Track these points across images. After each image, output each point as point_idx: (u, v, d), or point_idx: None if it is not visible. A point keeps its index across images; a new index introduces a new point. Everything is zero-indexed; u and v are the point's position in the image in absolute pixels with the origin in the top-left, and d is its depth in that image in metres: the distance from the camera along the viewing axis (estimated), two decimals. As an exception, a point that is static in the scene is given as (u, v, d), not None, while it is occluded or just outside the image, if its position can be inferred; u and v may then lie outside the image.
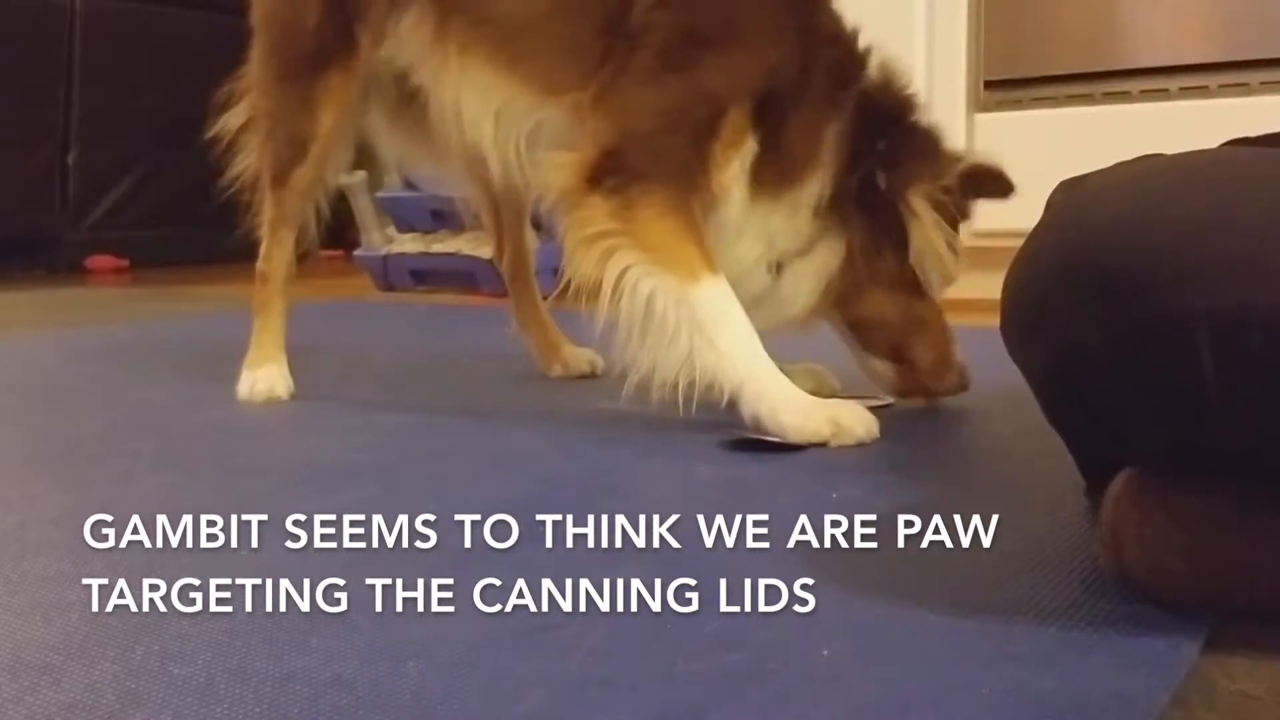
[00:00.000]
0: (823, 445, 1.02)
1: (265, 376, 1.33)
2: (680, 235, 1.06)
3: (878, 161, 1.11)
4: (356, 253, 2.95)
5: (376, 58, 1.26)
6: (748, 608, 0.66)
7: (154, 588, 0.71)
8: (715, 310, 1.06)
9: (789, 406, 1.04)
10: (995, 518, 0.82)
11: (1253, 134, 0.85)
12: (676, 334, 1.05)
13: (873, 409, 1.17)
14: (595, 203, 1.07)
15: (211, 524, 0.85)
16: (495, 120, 1.18)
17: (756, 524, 0.83)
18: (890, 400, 1.24)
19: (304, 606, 0.68)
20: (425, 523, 0.84)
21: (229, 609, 0.67)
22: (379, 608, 0.67)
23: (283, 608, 0.67)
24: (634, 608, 0.66)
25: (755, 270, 1.14)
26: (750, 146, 1.10)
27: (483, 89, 1.18)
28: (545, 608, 0.66)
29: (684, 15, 1.11)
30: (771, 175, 1.11)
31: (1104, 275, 0.63)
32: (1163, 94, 1.97)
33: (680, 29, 1.10)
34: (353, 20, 1.25)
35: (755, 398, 1.04)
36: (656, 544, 0.78)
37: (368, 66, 1.27)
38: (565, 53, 1.15)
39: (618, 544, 0.78)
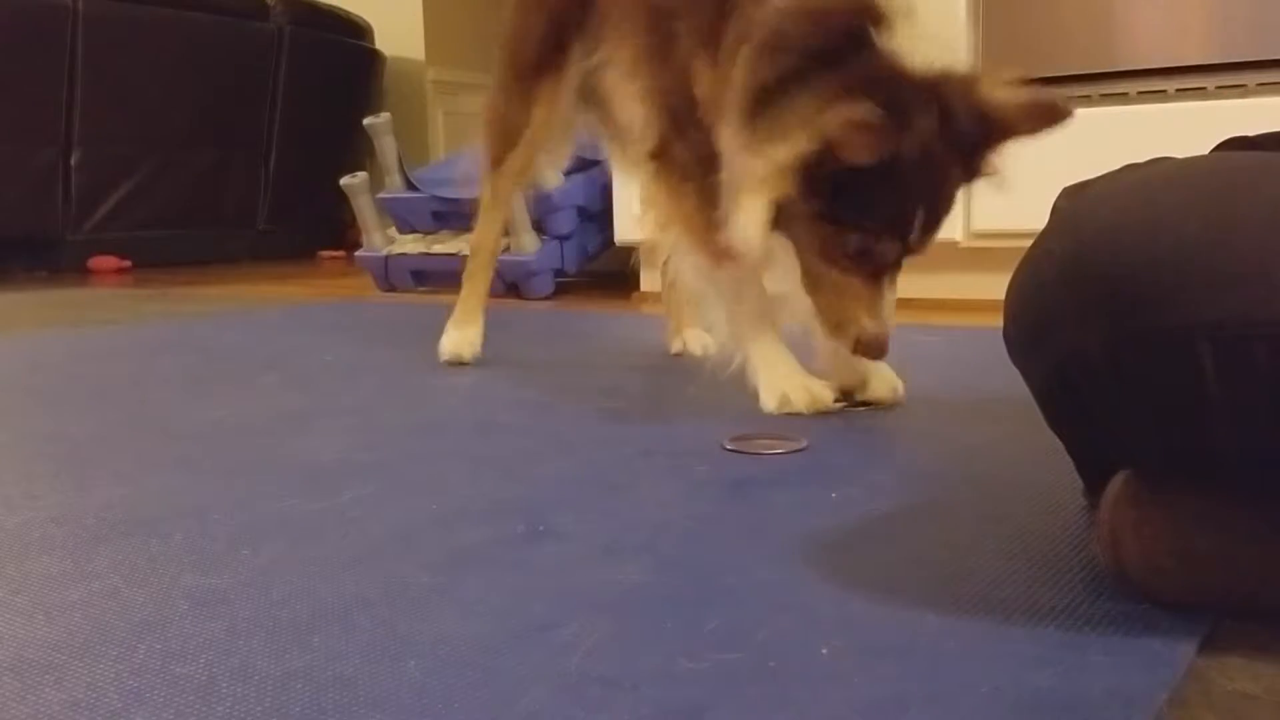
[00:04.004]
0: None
1: (455, 340, 1.59)
2: (712, 220, 1.19)
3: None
4: (358, 253, 2.95)
5: (584, 65, 1.48)
6: (748, 608, 0.66)
7: (155, 587, 0.72)
8: (731, 289, 1.24)
9: (768, 379, 1.22)
10: (995, 518, 0.83)
11: (1251, 134, 0.85)
12: (707, 302, 1.30)
13: (872, 410, 1.19)
14: (656, 183, 1.30)
15: (212, 524, 0.85)
16: (626, 95, 1.36)
17: (756, 524, 0.83)
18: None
19: (305, 605, 0.68)
20: (425, 522, 0.85)
21: (230, 608, 0.68)
22: (379, 607, 0.68)
23: (284, 607, 0.68)
24: (634, 608, 0.67)
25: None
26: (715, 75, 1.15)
27: (621, 73, 1.37)
28: (545, 608, 0.67)
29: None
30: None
31: (1106, 286, 0.63)
32: (1160, 95, 1.98)
33: (653, 7, 1.25)
34: (566, 39, 1.50)
35: (751, 367, 1.24)
36: (656, 544, 0.78)
37: (577, 73, 1.50)
38: (631, 41, 1.33)
39: (618, 544, 0.78)
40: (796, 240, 1.11)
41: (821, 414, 1.19)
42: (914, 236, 1.07)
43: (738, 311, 1.24)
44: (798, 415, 1.19)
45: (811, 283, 1.13)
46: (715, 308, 1.28)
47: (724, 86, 1.11)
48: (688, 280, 1.32)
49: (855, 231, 1.06)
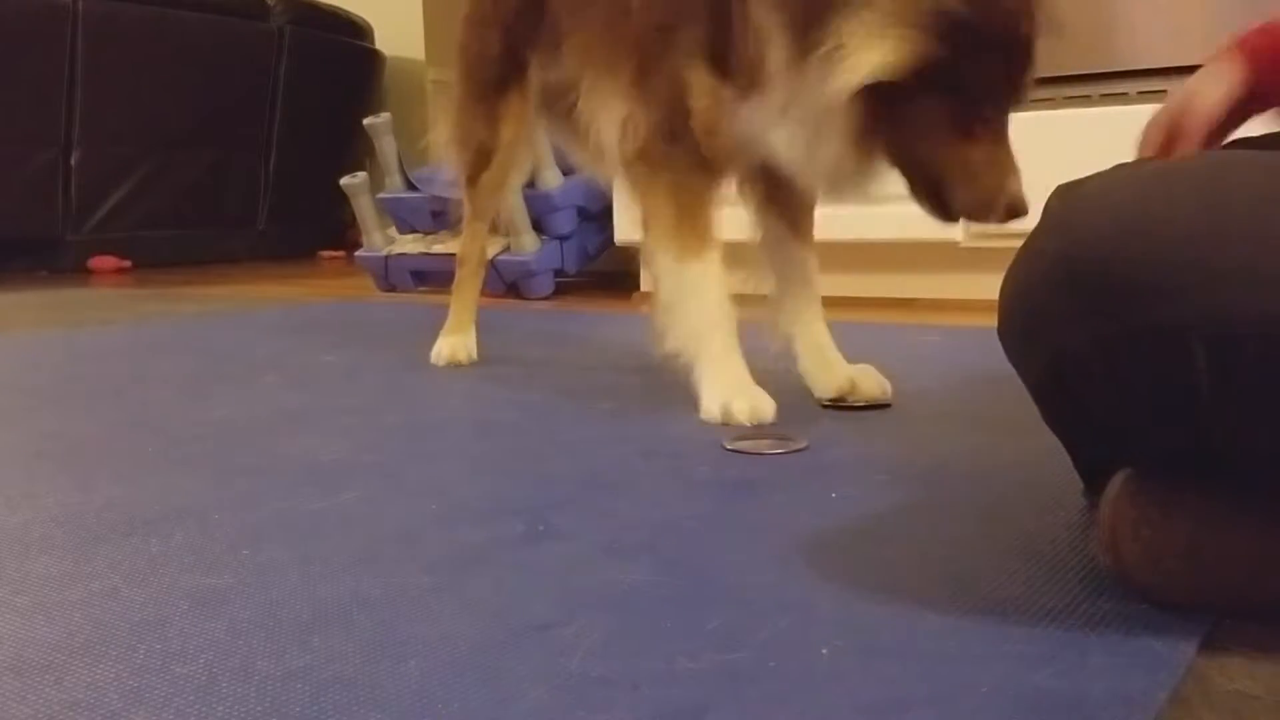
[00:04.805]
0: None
1: (450, 344, 1.61)
2: (682, 216, 1.23)
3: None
4: (358, 253, 2.95)
5: (545, 80, 1.49)
6: (748, 607, 0.66)
7: (156, 587, 0.72)
8: (693, 287, 1.21)
9: (714, 386, 1.19)
10: (995, 518, 0.83)
11: (1254, 134, 0.85)
12: (669, 301, 1.24)
13: (872, 409, 1.19)
14: (634, 183, 1.29)
15: (212, 524, 0.85)
16: (609, 117, 1.36)
17: (756, 524, 0.83)
18: (888, 403, 1.24)
19: (305, 605, 0.68)
20: (425, 522, 0.85)
21: (230, 608, 0.68)
22: (379, 607, 0.68)
23: (284, 607, 0.68)
24: (634, 607, 0.67)
25: (800, 131, 1.14)
26: (715, 85, 1.18)
27: (601, 93, 1.37)
28: (545, 608, 0.67)
29: (644, 13, 1.25)
30: (745, 74, 1.15)
31: (1098, 283, 0.63)
32: (1161, 95, 1.97)
33: (647, 25, 1.26)
34: (525, 52, 1.50)
35: (700, 370, 1.21)
36: (656, 544, 0.78)
37: (538, 88, 1.51)
38: (613, 60, 1.32)
39: (618, 544, 0.78)
40: (905, 137, 1.08)
41: (760, 426, 1.14)
42: (1025, 80, 1.07)
43: (698, 311, 1.22)
44: (738, 426, 1.14)
45: (938, 171, 1.09)
46: (675, 308, 1.23)
47: (749, 61, 1.13)
48: (656, 277, 1.28)
49: (980, 100, 1.05)
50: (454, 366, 1.58)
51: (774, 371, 1.44)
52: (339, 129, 3.97)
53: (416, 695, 0.56)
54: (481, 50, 1.55)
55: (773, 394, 1.17)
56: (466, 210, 1.63)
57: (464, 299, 1.65)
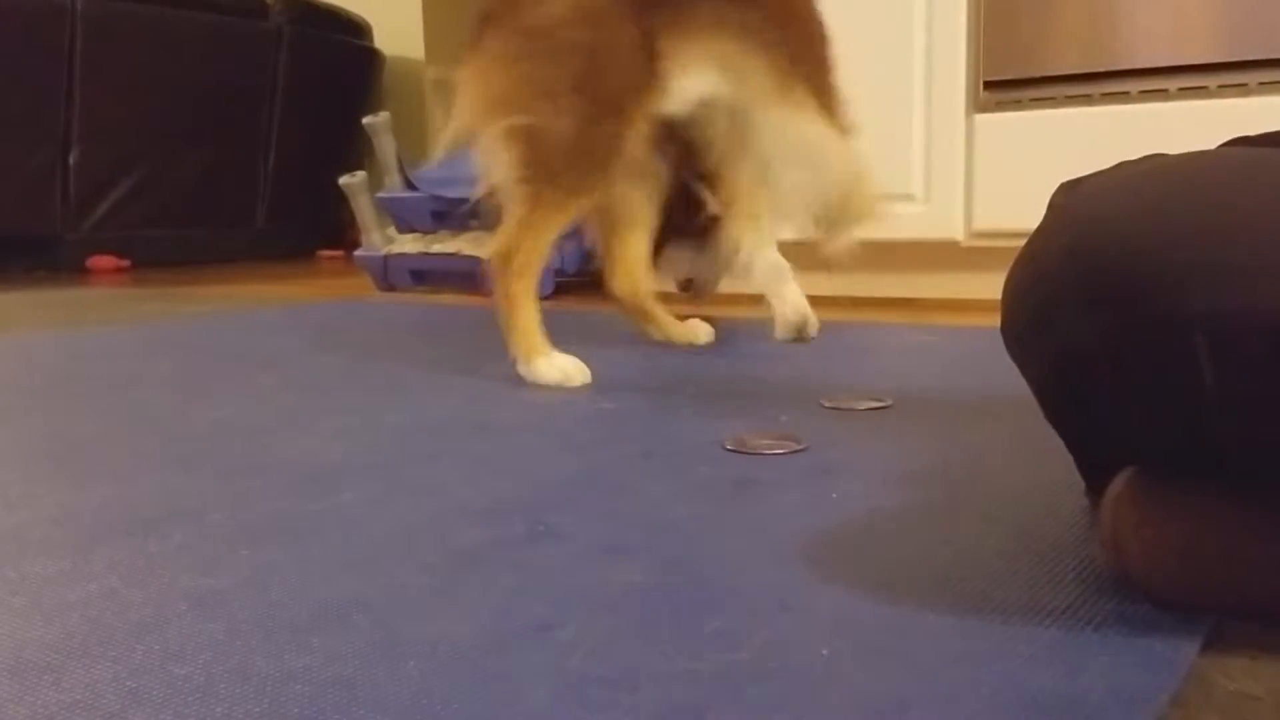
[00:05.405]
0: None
1: (563, 362, 1.46)
2: None
3: None
4: (357, 253, 2.95)
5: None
6: (748, 608, 0.66)
7: (154, 587, 0.72)
8: None
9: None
10: (995, 518, 0.83)
11: (1252, 134, 0.85)
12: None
13: (872, 409, 1.20)
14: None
15: (211, 524, 0.85)
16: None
17: (756, 524, 0.83)
18: (889, 402, 1.24)
19: (304, 606, 0.68)
20: (425, 522, 0.84)
21: (229, 608, 0.68)
22: (378, 607, 0.67)
23: (283, 607, 0.68)
24: (634, 607, 0.67)
25: None
26: None
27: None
28: (545, 608, 0.67)
29: None
30: None
31: (1103, 278, 0.63)
32: (1162, 94, 1.98)
33: None
34: (655, 62, 1.38)
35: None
36: (656, 544, 0.78)
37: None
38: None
39: (618, 544, 0.78)
40: None
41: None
42: None
43: None
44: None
45: None
46: None
47: None
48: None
49: None
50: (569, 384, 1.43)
51: (770, 370, 1.44)
52: (338, 128, 3.97)
53: (416, 696, 0.55)
54: (614, 42, 1.49)
55: (771, 394, 1.17)
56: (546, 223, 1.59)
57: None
